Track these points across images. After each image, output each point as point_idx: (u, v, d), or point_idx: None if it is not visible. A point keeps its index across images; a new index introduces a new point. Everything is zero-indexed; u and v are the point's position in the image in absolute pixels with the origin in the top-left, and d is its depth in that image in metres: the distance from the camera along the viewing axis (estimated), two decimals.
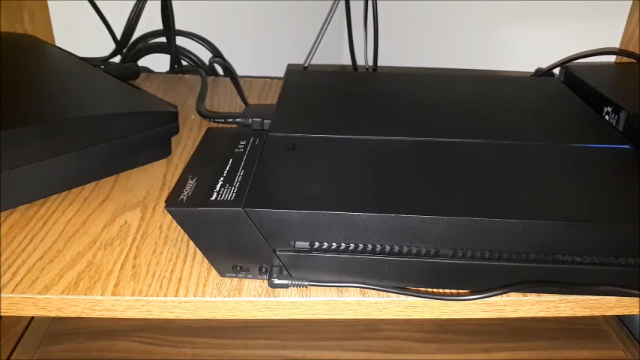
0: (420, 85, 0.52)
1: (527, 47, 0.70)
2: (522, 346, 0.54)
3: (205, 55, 0.70)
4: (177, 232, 0.38)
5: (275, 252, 0.32)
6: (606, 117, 0.48)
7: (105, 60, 0.67)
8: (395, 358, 0.52)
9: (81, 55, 0.56)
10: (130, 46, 0.69)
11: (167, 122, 0.46)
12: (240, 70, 0.71)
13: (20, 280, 0.33)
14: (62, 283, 0.33)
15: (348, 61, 0.70)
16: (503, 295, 0.33)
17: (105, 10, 0.65)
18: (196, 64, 0.70)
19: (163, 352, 0.52)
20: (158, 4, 0.66)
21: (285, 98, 0.47)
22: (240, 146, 0.38)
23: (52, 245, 0.36)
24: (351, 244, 0.32)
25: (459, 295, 0.33)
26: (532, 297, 0.34)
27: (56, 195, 0.41)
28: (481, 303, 0.34)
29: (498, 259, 0.32)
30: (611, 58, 0.68)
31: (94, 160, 0.42)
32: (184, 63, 0.70)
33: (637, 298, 0.34)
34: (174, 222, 0.37)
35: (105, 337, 0.53)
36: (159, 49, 0.70)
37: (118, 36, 0.67)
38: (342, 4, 0.65)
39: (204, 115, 0.53)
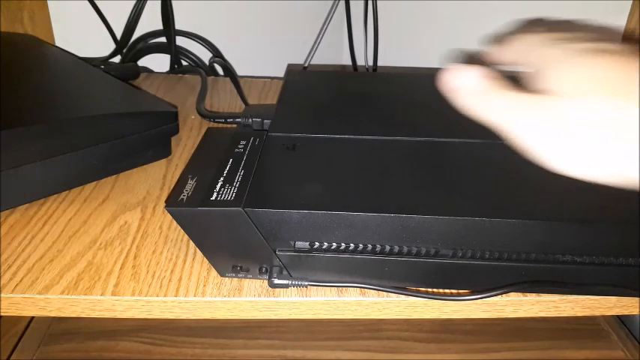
0: (420, 85, 0.52)
1: None
2: (522, 346, 0.54)
3: (205, 55, 0.70)
4: (177, 232, 0.38)
5: (275, 252, 0.32)
6: None
7: (105, 60, 0.67)
8: (395, 358, 0.52)
9: (81, 55, 0.56)
10: (130, 46, 0.69)
11: (167, 122, 0.46)
12: (240, 70, 0.71)
13: (20, 280, 0.33)
14: (62, 283, 0.33)
15: (348, 61, 0.70)
16: (503, 295, 0.33)
17: (105, 10, 0.65)
18: (196, 64, 0.70)
19: (163, 352, 0.52)
20: (158, 4, 0.66)
21: (285, 98, 0.47)
22: (240, 146, 0.38)
23: (52, 245, 0.36)
24: (351, 244, 0.32)
25: (459, 295, 0.33)
26: (532, 297, 0.34)
27: (56, 195, 0.41)
28: (481, 303, 0.34)
29: (498, 259, 0.32)
30: None
31: (94, 160, 0.42)
32: (184, 63, 0.70)
33: (637, 298, 0.34)
34: (174, 222, 0.37)
35: (105, 337, 0.53)
36: (159, 49, 0.70)
37: (118, 36, 0.67)
38: (342, 4, 0.65)
39: (204, 115, 0.53)
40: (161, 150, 0.47)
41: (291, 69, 0.60)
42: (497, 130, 0.24)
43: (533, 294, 0.34)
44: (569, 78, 0.23)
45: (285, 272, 0.33)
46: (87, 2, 0.64)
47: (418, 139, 0.40)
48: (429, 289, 0.34)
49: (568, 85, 0.22)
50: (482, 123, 0.25)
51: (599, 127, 0.21)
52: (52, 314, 0.33)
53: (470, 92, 0.25)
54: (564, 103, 0.22)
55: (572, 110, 0.22)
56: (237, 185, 0.33)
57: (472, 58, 0.27)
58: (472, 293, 0.33)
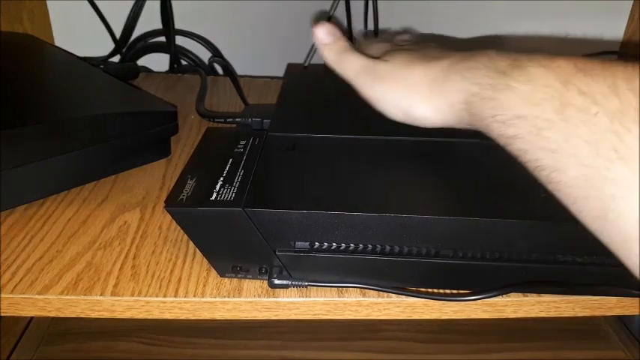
0: None
1: (527, 47, 0.70)
2: (522, 346, 0.54)
3: (205, 55, 0.70)
4: (176, 232, 0.38)
5: (275, 252, 0.32)
6: None
7: (104, 60, 0.67)
8: (395, 358, 0.52)
9: (81, 55, 0.56)
10: (130, 46, 0.69)
11: (166, 122, 0.46)
12: (240, 70, 0.71)
13: (20, 281, 0.33)
14: (61, 284, 0.33)
15: None
16: (503, 295, 0.33)
17: (104, 10, 0.65)
18: (196, 64, 0.70)
19: (163, 352, 0.52)
20: (158, 4, 0.66)
21: (285, 98, 0.47)
22: (239, 146, 0.38)
23: (52, 245, 0.36)
24: (351, 245, 0.32)
25: (459, 295, 0.33)
26: (532, 297, 0.34)
27: (56, 195, 0.41)
28: (481, 303, 0.34)
29: (498, 259, 0.32)
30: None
31: (94, 160, 0.42)
32: (184, 63, 0.70)
33: (637, 298, 0.34)
34: (174, 222, 0.37)
35: (105, 337, 0.53)
36: (158, 48, 0.69)
37: (118, 35, 0.67)
38: (342, 4, 0.65)
39: (204, 114, 0.53)
40: (160, 150, 0.47)
41: (291, 68, 0.60)
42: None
43: (534, 294, 0.34)
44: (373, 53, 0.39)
45: (285, 272, 0.33)
46: (86, 2, 0.64)
47: (418, 138, 0.40)
48: (429, 290, 0.34)
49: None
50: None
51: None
52: (52, 314, 0.33)
53: (329, 48, 0.38)
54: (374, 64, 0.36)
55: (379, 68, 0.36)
56: (236, 185, 0.33)
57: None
58: (472, 293, 0.33)
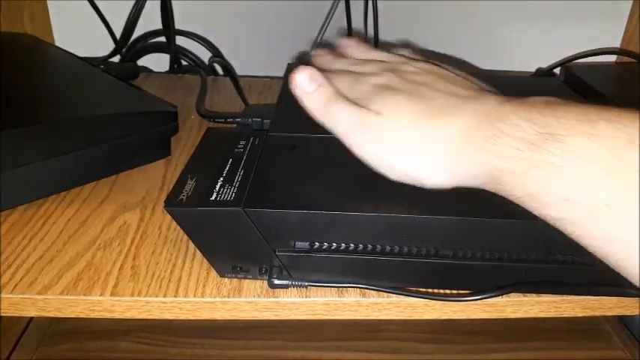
0: None
1: (527, 47, 0.70)
2: (522, 346, 0.54)
3: (205, 55, 0.70)
4: (176, 232, 0.38)
5: (275, 252, 0.32)
6: None
7: (104, 60, 0.67)
8: (395, 358, 0.52)
9: (81, 55, 0.56)
10: (130, 46, 0.69)
11: (167, 122, 0.46)
12: (240, 70, 0.71)
13: (19, 281, 0.33)
14: (61, 284, 0.33)
15: None
16: (504, 295, 0.33)
17: (104, 10, 0.65)
18: (196, 64, 0.70)
19: (163, 352, 0.52)
20: (158, 4, 0.66)
21: (285, 98, 0.47)
22: (239, 146, 0.38)
23: (52, 245, 0.36)
24: (351, 245, 0.32)
25: (459, 295, 0.33)
26: (532, 297, 0.34)
27: (55, 195, 0.41)
28: (481, 303, 0.34)
29: (498, 259, 0.32)
30: (612, 58, 0.68)
31: (94, 161, 0.42)
32: (184, 63, 0.70)
33: (637, 299, 0.34)
34: (174, 222, 0.37)
35: (105, 337, 0.53)
36: (159, 48, 0.69)
37: (118, 36, 0.67)
38: (342, 4, 0.65)
39: (204, 115, 0.53)
40: (161, 150, 0.47)
41: (291, 69, 0.60)
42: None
43: (534, 294, 0.34)
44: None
45: (285, 272, 0.33)
46: (86, 2, 0.64)
47: None
48: (429, 290, 0.34)
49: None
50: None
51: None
52: (52, 314, 0.33)
53: (311, 97, 0.33)
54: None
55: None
56: (236, 185, 0.33)
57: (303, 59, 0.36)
58: (472, 293, 0.33)
